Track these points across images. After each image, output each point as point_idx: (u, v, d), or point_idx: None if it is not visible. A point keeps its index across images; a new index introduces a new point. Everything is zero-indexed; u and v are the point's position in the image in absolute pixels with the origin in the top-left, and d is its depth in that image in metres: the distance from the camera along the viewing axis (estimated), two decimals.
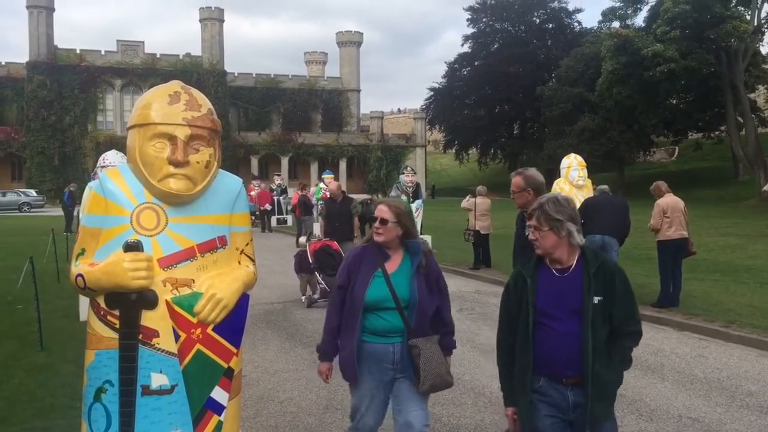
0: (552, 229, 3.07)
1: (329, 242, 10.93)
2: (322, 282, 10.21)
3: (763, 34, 41.04)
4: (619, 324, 3.06)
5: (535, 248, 3.17)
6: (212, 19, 62.45)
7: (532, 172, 5.04)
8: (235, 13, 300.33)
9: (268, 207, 25.97)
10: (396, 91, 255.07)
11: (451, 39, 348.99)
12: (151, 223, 2.82)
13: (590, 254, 3.12)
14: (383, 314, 3.59)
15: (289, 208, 26.38)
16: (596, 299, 3.00)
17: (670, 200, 9.81)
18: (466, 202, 15.01)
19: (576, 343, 2.99)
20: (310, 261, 10.42)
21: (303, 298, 10.57)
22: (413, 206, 16.09)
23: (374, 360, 3.64)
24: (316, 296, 10.42)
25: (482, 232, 14.22)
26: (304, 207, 20.09)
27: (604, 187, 10.70)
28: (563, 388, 3.05)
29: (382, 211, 3.65)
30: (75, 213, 20.05)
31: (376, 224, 3.63)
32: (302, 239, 11.24)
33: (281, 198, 27.57)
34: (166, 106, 2.82)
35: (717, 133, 48.68)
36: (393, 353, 3.63)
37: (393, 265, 3.67)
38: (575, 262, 3.10)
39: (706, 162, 53.56)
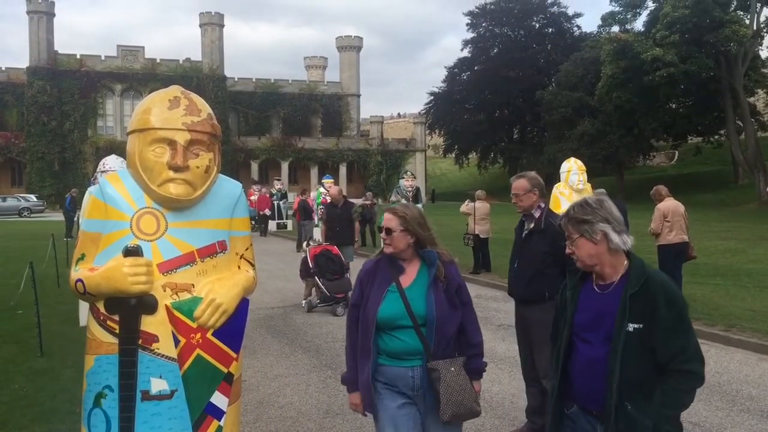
0: (583, 235, 2.67)
1: (329, 247, 10.93)
2: (322, 287, 10.20)
3: (762, 38, 41.14)
4: (667, 361, 2.52)
5: (576, 263, 2.78)
6: (212, 24, 62.53)
7: (533, 173, 5.07)
8: (234, 18, 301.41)
9: (267, 212, 25.98)
10: (395, 96, 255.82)
11: (450, 44, 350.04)
12: (151, 227, 2.82)
13: (635, 269, 2.62)
14: (399, 333, 3.18)
15: (290, 212, 26.40)
16: (632, 327, 2.52)
17: (670, 204, 9.80)
18: (466, 206, 15.01)
19: (603, 373, 2.57)
20: (310, 266, 10.43)
21: (303, 302, 10.57)
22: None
23: (393, 385, 3.24)
24: (316, 301, 10.42)
25: (481, 236, 14.22)
26: (303, 212, 20.09)
27: (602, 191, 10.63)
28: (594, 420, 2.67)
29: (386, 219, 3.32)
30: (75, 218, 20.05)
31: (382, 235, 3.31)
32: (305, 244, 11.27)
33: (281, 203, 27.58)
34: (165, 111, 2.82)
35: (717, 137, 48.75)
36: (412, 378, 3.19)
37: (408, 278, 3.27)
38: (619, 277, 2.65)
39: (705, 166, 53.63)
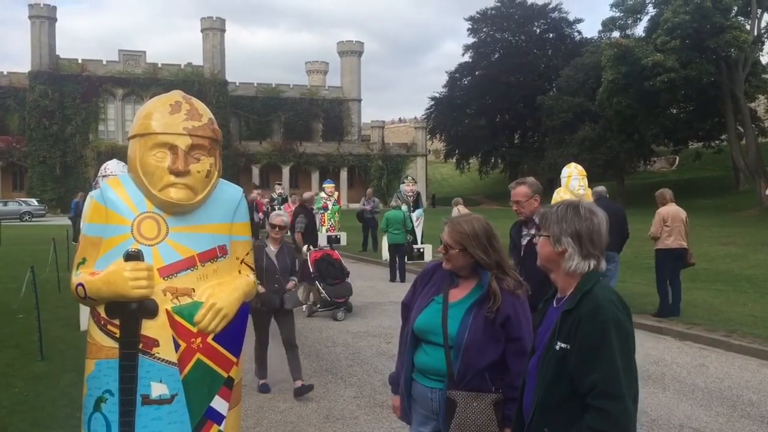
0: (550, 237, 2.45)
1: (330, 251, 10.94)
2: (323, 291, 10.20)
3: (762, 43, 41.16)
4: (584, 391, 2.19)
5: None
6: (213, 29, 62.65)
7: (533, 179, 5.03)
8: (234, 23, 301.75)
9: (260, 216, 25.91)
10: (396, 101, 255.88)
11: (450, 49, 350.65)
12: (152, 232, 2.83)
13: (581, 285, 2.36)
14: (429, 348, 2.95)
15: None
16: (559, 345, 2.27)
17: (671, 209, 9.78)
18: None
19: (532, 390, 2.39)
20: (311, 270, 10.42)
21: (304, 307, 10.56)
22: (414, 215, 16.12)
23: (418, 403, 3.02)
24: (317, 306, 10.41)
25: None
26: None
27: (602, 189, 10.37)
28: None
29: (445, 232, 3.02)
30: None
31: (440, 248, 3.02)
32: (304, 248, 11.24)
33: (281, 207, 27.56)
34: (167, 116, 2.84)
35: (717, 142, 48.74)
36: (432, 400, 2.94)
37: (459, 293, 2.98)
38: (569, 293, 2.40)
39: (706, 171, 53.62)
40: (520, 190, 4.87)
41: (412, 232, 15.85)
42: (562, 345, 2.25)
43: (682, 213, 9.75)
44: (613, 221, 9.34)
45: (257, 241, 6.51)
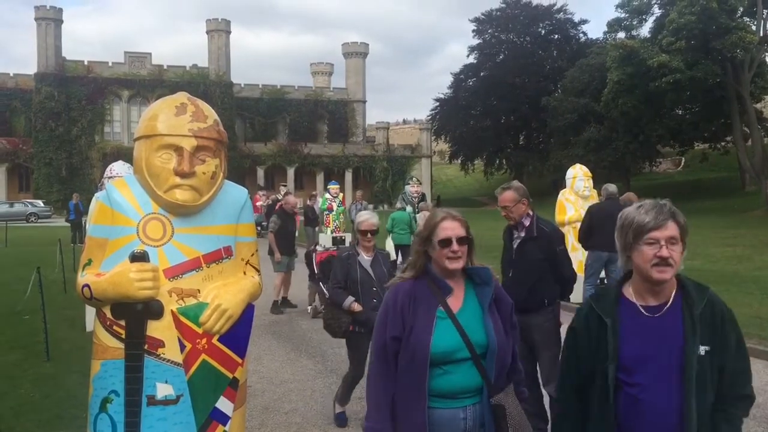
0: (683, 241, 2.27)
1: (335, 252, 10.92)
2: (326, 292, 10.20)
3: None
4: (730, 385, 2.26)
5: (660, 272, 2.24)
6: (219, 30, 62.76)
7: (518, 183, 5.07)
8: (238, 25, 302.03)
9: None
10: (400, 103, 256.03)
11: (454, 51, 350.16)
12: (158, 233, 2.84)
13: (693, 286, 2.30)
14: (453, 368, 2.64)
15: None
16: (703, 350, 2.20)
17: None
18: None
19: (673, 417, 2.20)
20: (315, 272, 10.42)
21: (309, 308, 10.58)
22: (419, 216, 16.10)
23: (443, 430, 2.69)
24: (321, 307, 10.41)
25: None
26: (306, 218, 19.98)
27: (612, 189, 10.14)
28: None
29: (455, 227, 2.76)
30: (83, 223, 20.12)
31: (453, 246, 2.71)
32: (318, 248, 11.24)
33: None
34: (172, 118, 2.85)
35: (723, 143, 48.60)
36: (465, 420, 2.67)
37: (456, 301, 2.74)
38: (672, 297, 2.28)
39: (712, 172, 53.47)
40: (507, 195, 4.90)
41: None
42: (706, 348, 2.22)
43: None
44: (609, 222, 9.34)
45: (343, 249, 5.70)
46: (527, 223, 4.93)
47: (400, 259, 14.25)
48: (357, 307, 5.25)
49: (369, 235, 5.46)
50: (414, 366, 2.63)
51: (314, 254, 10.79)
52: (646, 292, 2.30)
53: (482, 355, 2.66)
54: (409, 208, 15.44)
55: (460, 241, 2.72)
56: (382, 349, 2.74)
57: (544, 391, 5.00)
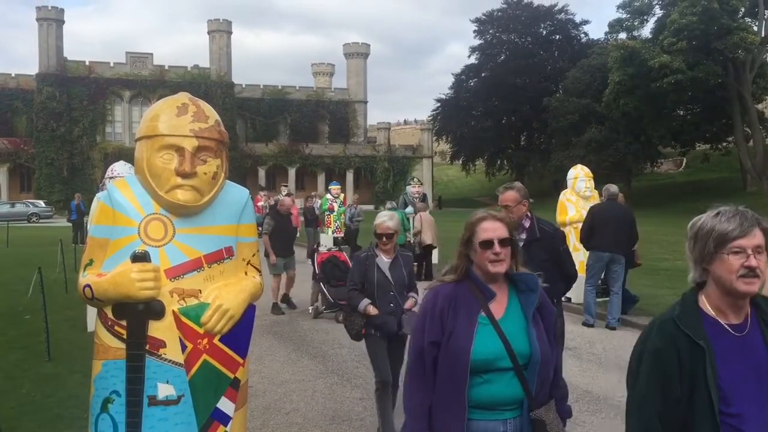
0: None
1: (336, 253, 10.93)
2: (327, 293, 10.21)
3: None
4: None
5: (748, 284, 2.01)
6: (220, 31, 62.81)
7: (520, 184, 4.99)
8: (238, 26, 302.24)
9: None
10: (401, 103, 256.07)
11: (455, 51, 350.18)
12: (159, 233, 2.84)
13: (761, 300, 2.13)
14: (493, 377, 2.51)
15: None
16: None
17: None
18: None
19: None
20: (317, 272, 10.44)
21: (310, 308, 10.58)
22: (417, 217, 16.11)
23: None
24: (322, 307, 10.42)
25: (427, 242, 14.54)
26: (305, 219, 19.94)
27: (614, 189, 10.08)
28: None
29: (496, 228, 2.64)
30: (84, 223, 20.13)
31: (495, 248, 2.58)
32: (321, 248, 11.26)
33: None
34: (173, 118, 2.85)
35: (725, 144, 48.60)
36: None
37: (499, 307, 2.60)
38: (749, 313, 2.10)
39: (713, 173, 53.45)
40: (509, 195, 4.81)
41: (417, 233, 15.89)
42: None
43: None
44: (621, 223, 9.37)
45: (363, 251, 5.43)
46: (527, 224, 4.88)
47: None
48: (372, 310, 5.01)
49: (385, 239, 5.15)
50: (453, 373, 2.51)
51: (315, 255, 10.81)
52: (727, 308, 2.07)
53: (524, 365, 2.52)
54: (410, 209, 15.51)
55: (503, 242, 2.60)
56: (419, 355, 2.61)
57: None
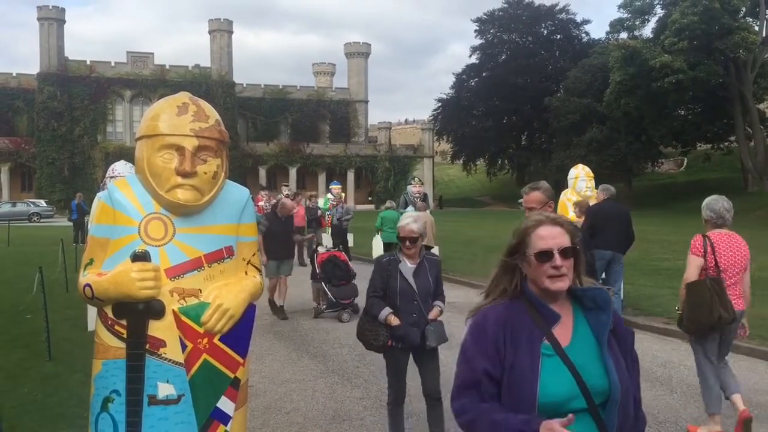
0: None
1: (336, 252, 10.94)
2: (329, 293, 10.22)
3: None
4: None
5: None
6: (221, 30, 62.84)
7: (546, 184, 4.73)
8: (239, 25, 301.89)
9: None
10: (402, 103, 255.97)
11: (456, 51, 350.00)
12: (159, 233, 2.84)
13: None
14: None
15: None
16: None
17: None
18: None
19: None
20: (318, 271, 10.45)
21: (321, 306, 10.60)
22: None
23: None
24: (323, 307, 10.43)
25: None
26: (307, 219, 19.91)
27: (610, 188, 10.19)
28: None
29: (556, 235, 2.14)
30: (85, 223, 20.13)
31: (556, 261, 2.10)
32: (321, 248, 11.18)
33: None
34: (174, 118, 2.85)
35: (726, 144, 48.58)
36: None
37: (565, 332, 2.12)
38: None
39: (714, 173, 53.43)
40: (535, 196, 4.53)
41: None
42: None
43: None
44: (619, 223, 9.39)
45: (385, 255, 5.02)
46: None
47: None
48: (394, 320, 4.63)
49: (408, 242, 4.74)
50: (515, 417, 2.04)
51: (315, 255, 10.82)
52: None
53: (601, 404, 2.06)
54: (410, 208, 15.56)
55: (564, 253, 2.11)
56: (474, 390, 2.13)
57: None
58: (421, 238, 4.76)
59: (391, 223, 14.66)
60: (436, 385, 4.85)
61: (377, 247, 15.52)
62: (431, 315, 4.70)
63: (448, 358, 5.18)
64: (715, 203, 5.34)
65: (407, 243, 4.73)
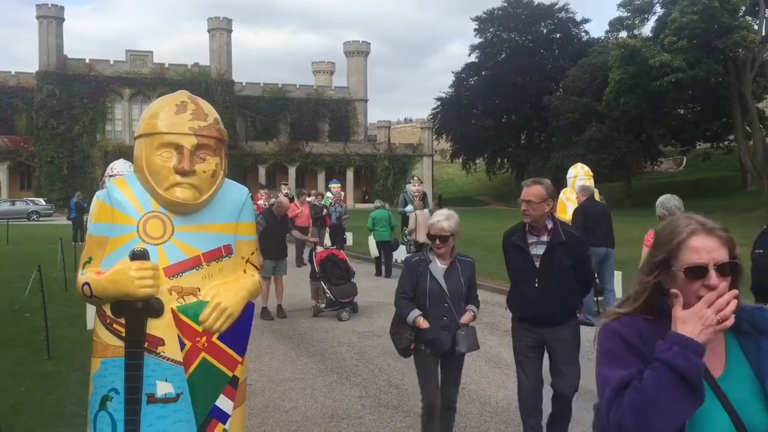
0: None
1: (336, 251, 10.94)
2: (328, 291, 10.22)
3: None
4: None
5: None
6: (220, 29, 62.82)
7: (548, 181, 4.58)
8: (238, 24, 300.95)
9: None
10: (401, 103, 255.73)
11: (455, 51, 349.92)
12: (158, 231, 2.84)
13: None
14: None
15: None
16: None
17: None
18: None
19: None
20: (317, 270, 10.45)
21: (320, 305, 10.60)
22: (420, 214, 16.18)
23: None
24: (322, 305, 10.43)
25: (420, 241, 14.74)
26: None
27: (589, 188, 10.29)
28: None
29: (712, 247, 1.76)
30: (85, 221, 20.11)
31: (711, 279, 1.72)
32: (319, 248, 11.09)
33: None
34: (172, 116, 2.84)
35: (725, 143, 48.59)
36: None
37: (717, 360, 1.78)
38: None
39: (714, 172, 53.47)
40: (534, 190, 4.38)
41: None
42: None
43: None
44: (603, 219, 9.51)
45: (415, 254, 4.80)
46: (550, 225, 4.47)
47: (383, 256, 15.30)
48: (423, 323, 4.40)
49: (438, 241, 4.47)
50: None
51: (314, 254, 10.81)
52: None
53: None
54: (409, 207, 15.73)
55: (722, 269, 1.73)
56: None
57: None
58: (452, 237, 4.50)
59: (383, 222, 15.04)
60: (455, 393, 4.72)
61: (372, 246, 15.65)
62: (463, 319, 4.50)
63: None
64: (668, 201, 5.99)
65: (437, 241, 4.48)
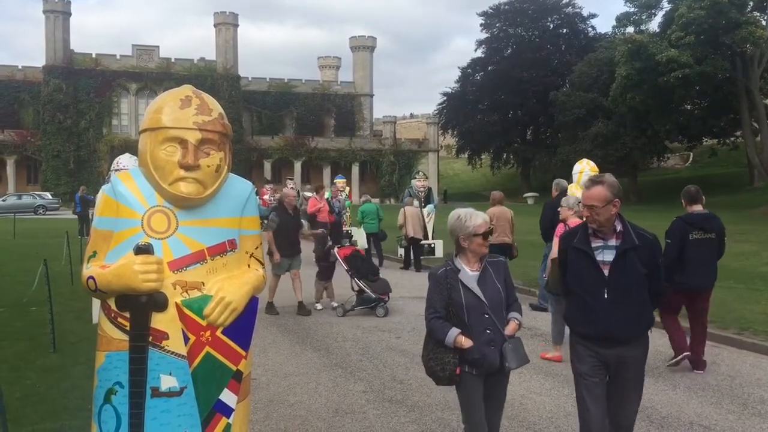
0: None
1: (354, 248, 10.78)
2: (367, 289, 10.03)
3: None
4: None
5: None
6: (226, 23, 62.82)
7: (612, 177, 3.90)
8: (243, 19, 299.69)
9: None
10: (405, 98, 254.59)
11: (460, 46, 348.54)
12: (162, 226, 2.84)
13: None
14: None
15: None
16: None
17: (496, 210, 11.25)
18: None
19: None
20: (345, 267, 10.25)
21: (318, 305, 10.49)
22: (425, 211, 16.21)
23: None
24: (334, 304, 10.28)
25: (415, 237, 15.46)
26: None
27: (562, 183, 10.28)
28: None
29: None
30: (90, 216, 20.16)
31: None
32: (335, 250, 10.77)
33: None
34: (177, 111, 2.85)
35: (732, 139, 48.40)
36: None
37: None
38: None
39: (720, 168, 53.29)
40: (596, 192, 3.75)
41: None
42: None
43: (508, 213, 11.49)
44: None
45: (439, 267, 4.09)
46: (620, 228, 3.84)
47: (374, 247, 15.92)
48: (466, 341, 3.78)
49: (482, 238, 3.91)
50: None
51: (333, 251, 10.59)
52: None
53: None
54: (416, 202, 15.85)
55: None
56: None
57: None
58: (489, 233, 3.98)
59: (371, 215, 16.01)
60: (500, 418, 4.10)
61: (361, 238, 15.93)
62: (508, 330, 3.87)
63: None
64: (573, 199, 7.40)
65: (482, 239, 3.90)
